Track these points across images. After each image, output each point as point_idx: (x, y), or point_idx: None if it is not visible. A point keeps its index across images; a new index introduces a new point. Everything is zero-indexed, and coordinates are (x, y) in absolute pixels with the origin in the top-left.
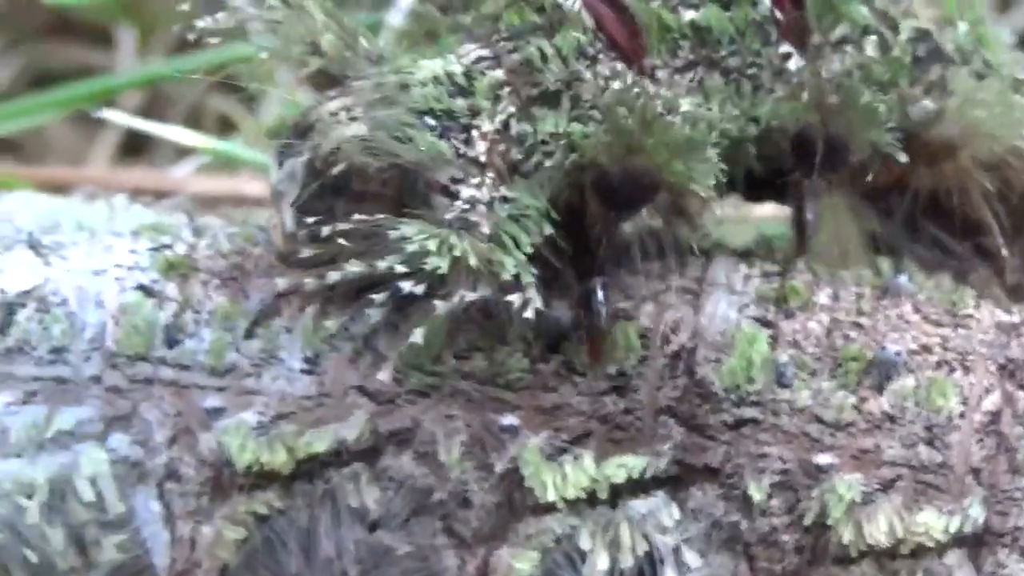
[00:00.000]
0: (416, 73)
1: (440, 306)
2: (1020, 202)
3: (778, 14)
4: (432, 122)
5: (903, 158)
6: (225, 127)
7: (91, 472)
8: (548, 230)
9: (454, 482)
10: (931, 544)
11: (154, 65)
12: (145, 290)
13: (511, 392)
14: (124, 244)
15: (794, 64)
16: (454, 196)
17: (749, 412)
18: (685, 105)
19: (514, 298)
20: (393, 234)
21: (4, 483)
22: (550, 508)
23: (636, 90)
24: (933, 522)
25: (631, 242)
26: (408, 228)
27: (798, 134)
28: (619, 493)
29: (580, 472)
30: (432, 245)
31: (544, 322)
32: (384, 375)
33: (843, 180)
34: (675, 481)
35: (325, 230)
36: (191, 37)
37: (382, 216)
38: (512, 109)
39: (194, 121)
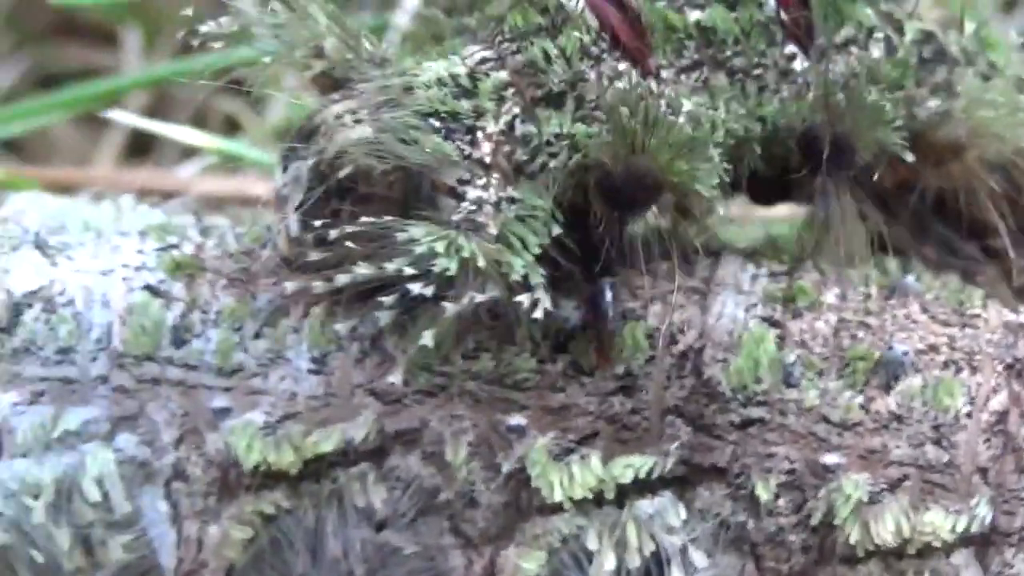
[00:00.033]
0: (420, 75)
1: (449, 308)
2: None
3: (783, 15)
4: (437, 124)
5: (910, 157)
6: (231, 127)
7: (98, 472)
8: (556, 230)
9: (461, 482)
10: (938, 544)
11: (160, 66)
12: (152, 290)
13: (518, 392)
14: (131, 244)
15: (799, 65)
16: (460, 197)
17: (756, 412)
18: (688, 105)
19: (523, 299)
20: (401, 236)
21: (11, 483)
22: (557, 508)
23: (639, 90)
24: (940, 522)
25: (638, 242)
26: (416, 230)
27: (804, 133)
28: (626, 493)
29: (587, 472)
30: (440, 247)
31: (551, 322)
32: (395, 378)
33: (850, 180)
34: (682, 481)
35: (333, 233)
36: (194, 42)
37: (389, 218)
38: (516, 110)
39: (200, 122)
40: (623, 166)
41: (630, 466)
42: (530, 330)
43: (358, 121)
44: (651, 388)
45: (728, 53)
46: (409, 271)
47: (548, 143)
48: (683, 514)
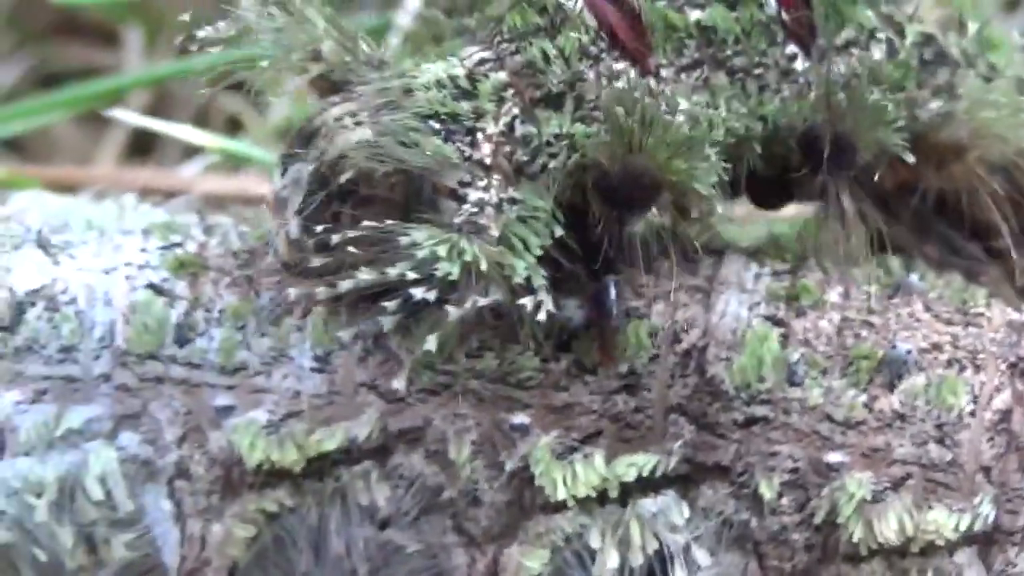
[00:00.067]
0: (419, 77)
1: (452, 312)
2: None
3: (784, 15)
4: (437, 126)
5: (911, 158)
6: (233, 126)
7: (100, 470)
8: (558, 231)
9: (464, 480)
10: (941, 542)
11: (161, 65)
12: (155, 289)
13: (522, 391)
14: (134, 243)
15: (800, 64)
16: (462, 199)
17: (760, 410)
18: (685, 104)
19: (526, 301)
20: (403, 240)
21: (13, 482)
22: (560, 507)
23: (636, 90)
24: (943, 520)
25: (639, 241)
26: (418, 234)
27: (805, 133)
28: (629, 491)
29: (590, 471)
30: (442, 250)
31: (555, 321)
32: (399, 383)
33: (850, 180)
34: (685, 479)
35: (335, 238)
36: (194, 48)
37: (391, 222)
38: (516, 111)
39: (202, 121)
40: (620, 166)
41: (633, 464)
42: (533, 329)
43: (358, 123)
44: (654, 386)
45: (728, 52)
46: (412, 276)
47: (548, 143)
48: (686, 512)
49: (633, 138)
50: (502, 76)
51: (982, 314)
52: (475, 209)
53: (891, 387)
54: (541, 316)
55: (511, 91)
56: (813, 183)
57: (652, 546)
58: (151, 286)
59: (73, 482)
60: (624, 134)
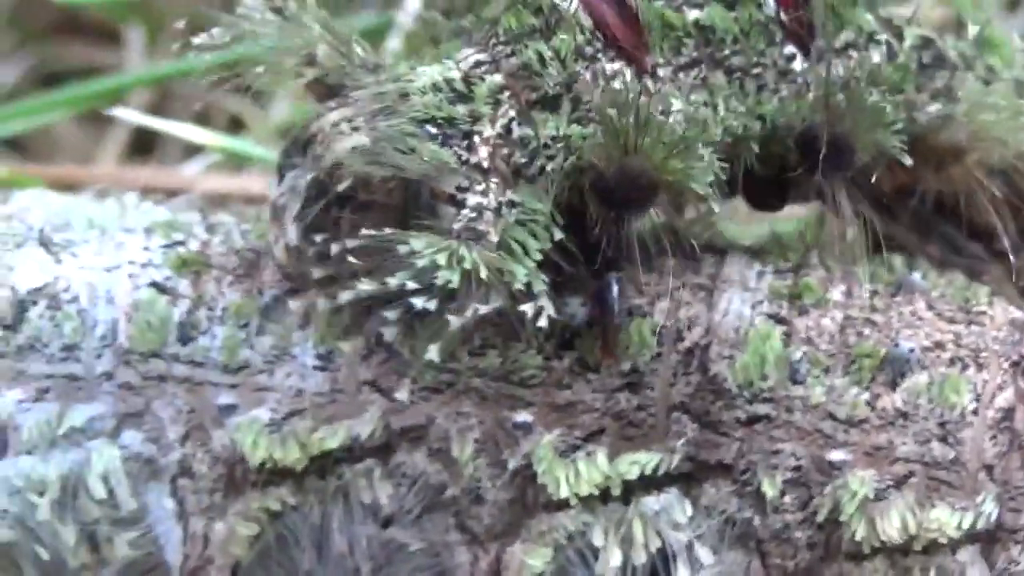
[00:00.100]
0: (415, 81)
1: (453, 321)
2: None
3: (783, 15)
4: (434, 130)
5: (908, 161)
6: (235, 125)
7: (103, 469)
8: (558, 234)
9: (467, 479)
10: (944, 541)
11: (162, 64)
12: (158, 287)
13: (525, 389)
14: (136, 241)
15: (799, 65)
16: (460, 205)
17: (762, 409)
18: (679, 104)
19: (527, 308)
20: (402, 249)
21: (16, 480)
22: (563, 505)
23: (631, 92)
24: (946, 518)
25: (637, 240)
26: (417, 242)
27: (803, 133)
28: (632, 490)
29: (593, 469)
30: (442, 259)
31: (557, 319)
32: (402, 395)
33: (847, 181)
34: (688, 478)
35: (334, 248)
36: (192, 53)
37: (390, 231)
38: (512, 113)
39: (203, 120)
40: (617, 167)
41: (636, 463)
42: (535, 331)
43: (355, 129)
44: (657, 385)
45: (726, 52)
46: (412, 285)
47: (545, 146)
48: (689, 511)
49: (628, 139)
50: (498, 79)
51: (984, 312)
52: (473, 214)
53: (894, 385)
54: (542, 322)
55: (507, 93)
56: (810, 184)
57: (655, 544)
58: (154, 284)
59: (76, 480)
60: (619, 135)
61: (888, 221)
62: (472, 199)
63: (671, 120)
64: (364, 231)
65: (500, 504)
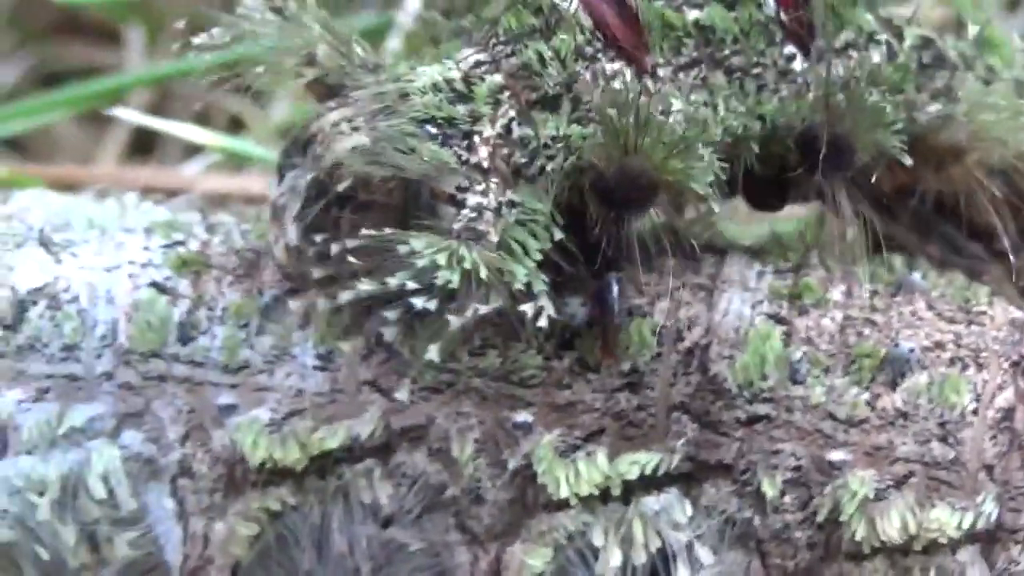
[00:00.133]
0: (415, 81)
1: (454, 321)
2: None
3: (783, 15)
4: (434, 130)
5: (908, 161)
6: (235, 125)
7: (103, 469)
8: (558, 234)
9: (467, 479)
10: (944, 541)
11: (162, 64)
12: (158, 287)
13: (524, 389)
14: (136, 241)
15: (799, 65)
16: (460, 205)
17: (762, 409)
18: (678, 104)
19: (527, 308)
20: (402, 249)
21: (16, 480)
22: (563, 505)
23: (631, 92)
24: (946, 518)
25: (636, 240)
26: (417, 242)
27: (803, 132)
28: (632, 490)
29: (593, 469)
30: (442, 259)
31: (557, 319)
32: (402, 395)
33: (847, 181)
34: (688, 478)
35: (334, 248)
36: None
37: (390, 231)
38: (512, 113)
39: (203, 120)
40: (617, 167)
41: (636, 463)
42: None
43: (354, 129)
44: (657, 385)
45: (727, 52)
46: (412, 285)
47: (546, 146)
48: (689, 511)
49: (628, 139)
50: (498, 79)
51: (984, 312)
52: (474, 214)
53: (894, 385)
54: (542, 322)
55: (507, 93)
56: (810, 184)
57: (655, 544)
58: (154, 284)
59: (76, 480)
60: (619, 135)
61: (888, 221)
62: (472, 199)
63: (671, 120)
64: (364, 231)
65: (500, 504)
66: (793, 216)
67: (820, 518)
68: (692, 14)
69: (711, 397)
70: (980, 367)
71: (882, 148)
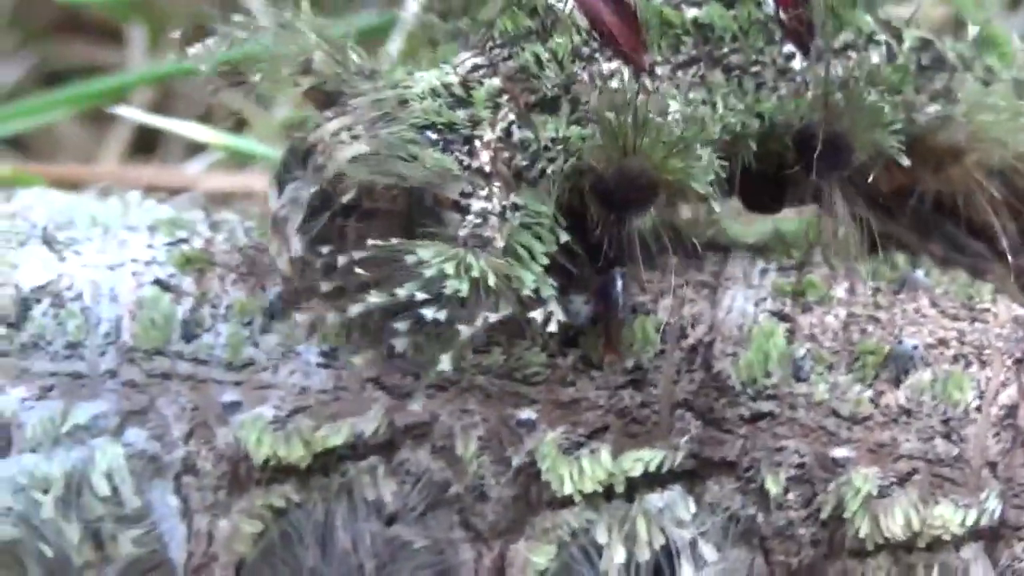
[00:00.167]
0: (414, 87)
1: (464, 330)
2: None
3: (782, 13)
4: (434, 136)
5: (906, 162)
6: (238, 123)
7: (107, 467)
8: (563, 237)
9: (471, 476)
10: (947, 537)
11: (165, 63)
12: (162, 284)
13: (528, 386)
14: (140, 239)
15: (798, 64)
16: (464, 211)
17: (766, 406)
18: (676, 105)
19: (536, 314)
20: (410, 259)
21: (20, 478)
22: (567, 502)
23: (629, 92)
24: (950, 515)
25: (638, 239)
26: (424, 251)
27: (801, 131)
28: (636, 487)
29: (597, 466)
30: (450, 268)
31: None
32: (416, 406)
33: (844, 180)
34: (692, 475)
35: (341, 260)
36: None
37: (396, 241)
38: (512, 117)
39: (206, 118)
40: (616, 169)
41: (640, 460)
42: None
43: (355, 138)
44: (661, 382)
45: (725, 50)
46: (421, 296)
47: (546, 148)
48: (693, 508)
49: (627, 140)
50: (496, 82)
51: (988, 310)
52: (478, 220)
53: (897, 382)
54: (552, 327)
55: (506, 97)
56: (807, 183)
57: (659, 541)
58: (157, 282)
59: (80, 478)
60: (617, 137)
61: (886, 220)
62: (476, 204)
63: (670, 119)
64: (370, 241)
65: (504, 501)
66: (802, 212)
67: (824, 515)
68: (691, 12)
69: (715, 394)
70: (983, 364)
71: (880, 148)
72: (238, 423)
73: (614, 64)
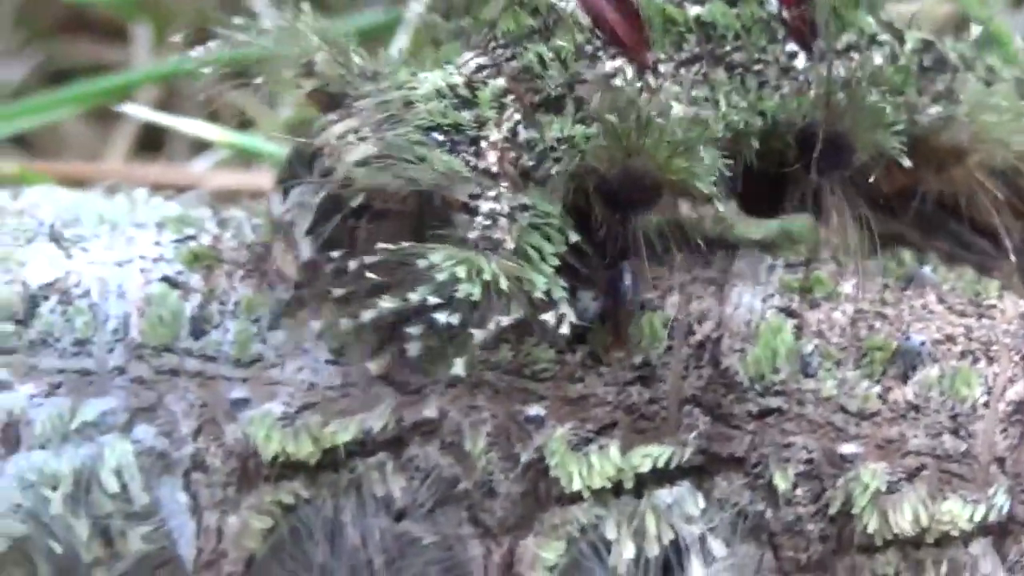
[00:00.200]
0: (418, 88)
1: (477, 334)
2: None
3: (785, 12)
4: (441, 138)
5: (907, 163)
6: (243, 122)
7: (116, 463)
8: (573, 237)
9: (480, 472)
10: (956, 533)
11: (170, 61)
12: (170, 281)
13: (537, 383)
14: (148, 236)
15: (801, 63)
16: (474, 212)
17: (774, 402)
18: (678, 108)
19: (548, 317)
20: (421, 263)
21: (29, 475)
22: (576, 498)
23: (631, 92)
24: (958, 511)
25: (643, 235)
26: (435, 255)
27: (803, 129)
28: (644, 483)
29: (606, 462)
30: (461, 272)
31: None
32: (430, 411)
33: (845, 180)
34: (700, 471)
35: (352, 265)
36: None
37: (407, 244)
38: (518, 116)
39: (212, 116)
40: (620, 170)
41: (648, 456)
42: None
43: (362, 139)
44: (669, 378)
45: (728, 48)
46: (433, 301)
47: (552, 148)
48: (701, 503)
49: (630, 141)
50: (501, 82)
51: (995, 306)
52: (488, 221)
53: (905, 378)
54: (564, 329)
55: (511, 97)
56: (807, 183)
57: (668, 537)
58: (165, 279)
59: (88, 475)
60: (621, 138)
61: (889, 220)
62: (485, 205)
63: (672, 119)
64: (381, 245)
65: (513, 497)
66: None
67: (832, 511)
68: (693, 10)
69: (723, 390)
70: (991, 360)
71: (882, 148)
72: (247, 419)
73: (617, 62)
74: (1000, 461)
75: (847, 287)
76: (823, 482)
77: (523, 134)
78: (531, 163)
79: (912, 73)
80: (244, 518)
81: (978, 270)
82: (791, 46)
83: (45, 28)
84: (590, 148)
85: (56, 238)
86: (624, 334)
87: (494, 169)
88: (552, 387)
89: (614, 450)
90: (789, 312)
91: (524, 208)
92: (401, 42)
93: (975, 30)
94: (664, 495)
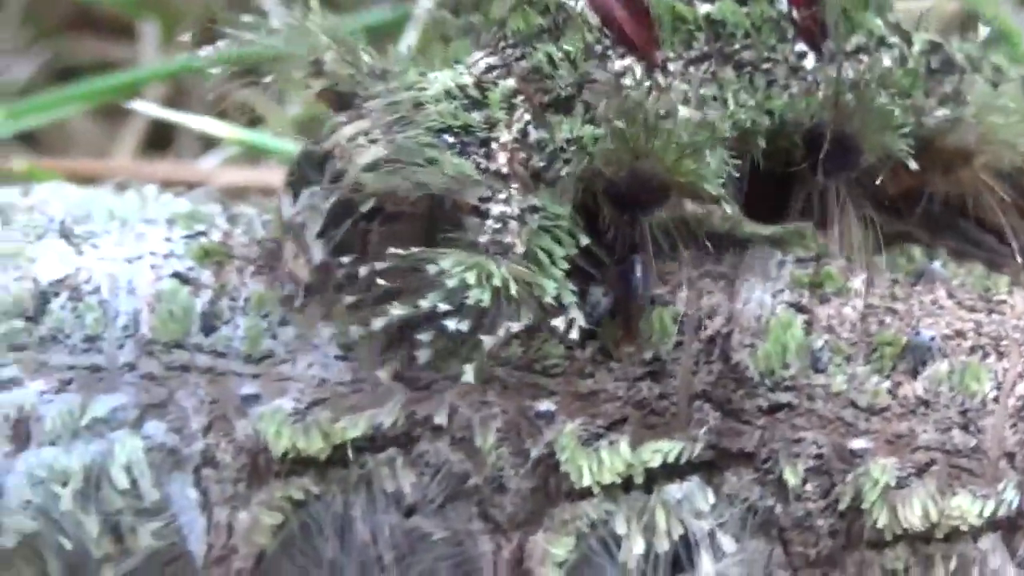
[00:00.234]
0: (428, 88)
1: (487, 340)
2: None
3: (795, 12)
4: (451, 140)
5: (914, 165)
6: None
7: (126, 459)
8: (583, 240)
9: (490, 467)
10: (965, 528)
11: (177, 59)
12: (180, 277)
13: (547, 378)
14: (158, 232)
15: (810, 63)
16: (484, 215)
17: (784, 397)
18: (684, 111)
19: (558, 323)
20: (431, 268)
21: (39, 471)
22: (586, 493)
23: (640, 93)
24: (967, 506)
25: (650, 233)
26: (445, 261)
27: (811, 130)
28: (654, 478)
29: (616, 457)
30: (471, 277)
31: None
32: (441, 418)
33: (851, 181)
34: (710, 466)
35: (362, 270)
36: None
37: (417, 249)
38: (528, 117)
39: (221, 113)
40: (628, 172)
41: (658, 451)
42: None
43: (372, 142)
44: (679, 373)
45: (737, 47)
46: (444, 307)
47: (562, 149)
48: (711, 499)
49: (638, 143)
50: (511, 83)
51: (1005, 301)
52: (498, 225)
53: (915, 373)
54: (574, 334)
55: (521, 97)
56: (814, 184)
57: (677, 532)
58: (176, 275)
59: (99, 471)
60: (629, 141)
61: (895, 221)
62: (495, 208)
63: (680, 120)
64: (391, 250)
65: (523, 493)
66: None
67: (842, 506)
68: (703, 8)
69: (733, 385)
70: (1001, 355)
71: (889, 150)
72: (257, 415)
73: (627, 61)
74: (1010, 456)
75: (857, 282)
76: (833, 477)
77: (533, 135)
78: (541, 164)
79: (920, 75)
80: (254, 514)
81: (987, 266)
82: (800, 46)
83: (53, 26)
84: (598, 151)
85: (66, 234)
86: (635, 328)
87: (504, 171)
88: (562, 382)
89: (624, 445)
90: (799, 307)
91: (534, 210)
92: (410, 39)
93: (983, 29)
94: (674, 490)
